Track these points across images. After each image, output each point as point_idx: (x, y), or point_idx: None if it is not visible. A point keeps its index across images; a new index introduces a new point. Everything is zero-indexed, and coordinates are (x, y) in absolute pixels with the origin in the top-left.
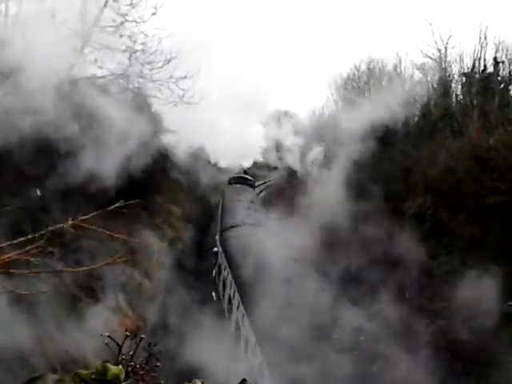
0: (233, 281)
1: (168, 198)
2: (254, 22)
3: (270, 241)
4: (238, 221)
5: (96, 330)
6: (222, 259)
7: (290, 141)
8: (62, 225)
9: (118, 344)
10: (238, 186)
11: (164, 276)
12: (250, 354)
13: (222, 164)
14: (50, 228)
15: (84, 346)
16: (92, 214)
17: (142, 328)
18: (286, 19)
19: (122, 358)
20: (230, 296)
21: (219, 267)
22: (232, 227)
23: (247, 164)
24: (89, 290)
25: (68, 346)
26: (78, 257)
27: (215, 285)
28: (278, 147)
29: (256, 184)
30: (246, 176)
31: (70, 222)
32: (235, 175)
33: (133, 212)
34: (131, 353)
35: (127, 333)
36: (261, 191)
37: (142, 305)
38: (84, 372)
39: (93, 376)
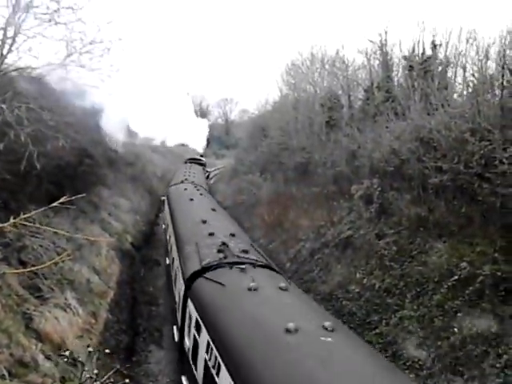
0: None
1: (114, 190)
2: (198, 14)
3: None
4: (181, 179)
5: (44, 330)
6: (165, 207)
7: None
8: (3, 224)
9: (81, 363)
10: (190, 164)
11: (114, 271)
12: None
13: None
14: None
15: (33, 348)
16: (35, 212)
17: (93, 325)
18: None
19: (86, 377)
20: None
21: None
22: (175, 184)
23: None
24: (35, 290)
25: (14, 349)
26: (21, 256)
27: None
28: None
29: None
30: (200, 158)
31: (12, 221)
32: (191, 157)
33: (78, 207)
34: (96, 371)
35: (90, 349)
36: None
37: (92, 302)
38: None
39: None
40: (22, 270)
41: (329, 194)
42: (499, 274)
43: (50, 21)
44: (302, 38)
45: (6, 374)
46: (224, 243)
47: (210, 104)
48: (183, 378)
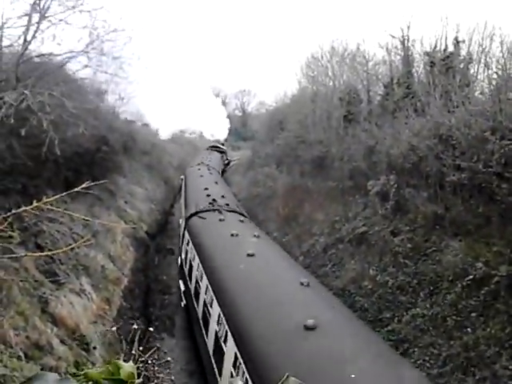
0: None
1: (130, 178)
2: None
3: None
4: (198, 162)
5: (60, 315)
6: (183, 182)
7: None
8: (24, 208)
9: (131, 340)
10: (211, 150)
11: (128, 258)
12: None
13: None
14: (13, 211)
15: (48, 332)
16: (58, 196)
17: (107, 312)
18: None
19: (132, 354)
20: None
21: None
22: (192, 166)
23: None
24: (51, 275)
25: (30, 332)
26: (38, 241)
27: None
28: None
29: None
30: (219, 146)
31: (34, 205)
32: (212, 144)
33: (94, 194)
34: (141, 348)
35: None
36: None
37: (106, 288)
38: (94, 372)
39: (103, 376)
40: (41, 254)
41: (345, 188)
42: None
43: (73, 7)
44: (323, 31)
45: (23, 355)
46: (214, 200)
47: (228, 95)
48: (180, 282)
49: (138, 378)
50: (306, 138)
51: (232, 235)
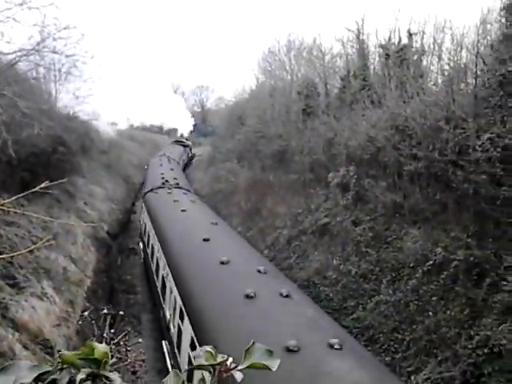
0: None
1: (89, 179)
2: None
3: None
4: (160, 154)
5: (21, 320)
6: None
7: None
8: None
9: (104, 322)
10: (174, 144)
11: (90, 259)
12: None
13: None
14: None
15: (10, 338)
16: (16, 197)
17: (71, 314)
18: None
19: (103, 337)
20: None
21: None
22: (154, 157)
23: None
24: (11, 279)
25: None
26: None
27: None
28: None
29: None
30: (183, 140)
31: None
32: (177, 139)
33: (53, 196)
34: (112, 330)
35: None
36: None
37: (69, 290)
38: (68, 353)
39: (78, 356)
40: None
41: (306, 181)
42: (472, 258)
43: (21, 4)
44: (280, 25)
45: None
46: (167, 180)
47: (186, 91)
48: (140, 243)
49: (112, 358)
50: (265, 132)
51: (174, 201)
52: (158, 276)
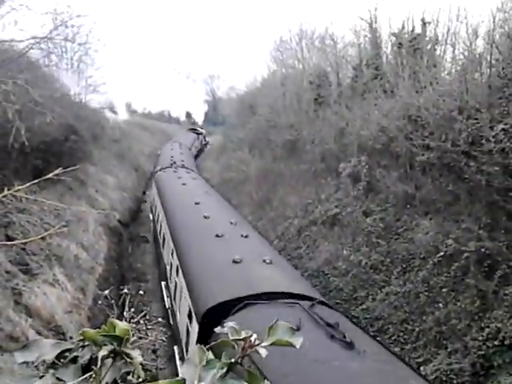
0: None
1: (100, 167)
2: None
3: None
4: (173, 140)
5: (34, 306)
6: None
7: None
8: None
9: (122, 303)
10: (189, 132)
11: (102, 247)
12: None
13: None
14: None
15: (23, 324)
16: (30, 183)
17: (82, 301)
18: None
19: (123, 316)
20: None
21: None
22: (168, 142)
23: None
24: (24, 266)
25: (4, 324)
26: (9, 233)
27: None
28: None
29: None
30: (197, 128)
31: (6, 193)
32: (191, 127)
33: (65, 183)
34: (133, 309)
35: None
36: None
37: (80, 277)
38: (91, 331)
39: (100, 334)
40: (11, 243)
41: (317, 171)
42: (483, 250)
43: None
44: (292, 13)
45: None
46: (174, 161)
47: (197, 80)
48: (150, 214)
49: (132, 336)
50: (277, 121)
51: (178, 178)
52: (160, 234)
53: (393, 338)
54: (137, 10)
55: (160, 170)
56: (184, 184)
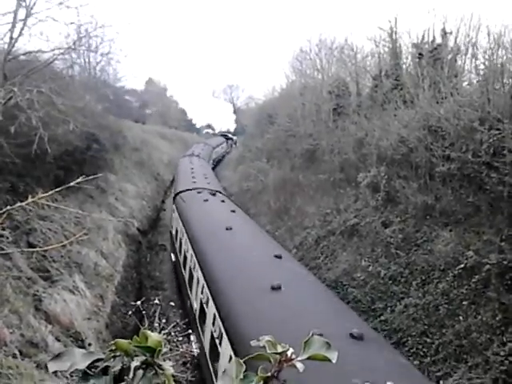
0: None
1: (121, 175)
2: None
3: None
4: (203, 142)
5: (53, 312)
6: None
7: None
8: (20, 204)
9: (152, 313)
10: (220, 136)
11: (121, 255)
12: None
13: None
14: (8, 207)
15: (42, 330)
16: (53, 191)
17: (101, 308)
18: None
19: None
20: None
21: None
22: (198, 143)
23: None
24: (44, 273)
25: (24, 330)
26: (30, 239)
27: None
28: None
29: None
30: (226, 133)
31: (30, 200)
32: (223, 133)
33: (85, 192)
34: (164, 320)
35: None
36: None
37: (99, 285)
38: (124, 341)
39: (133, 344)
40: (33, 249)
41: (335, 181)
42: (505, 262)
43: (60, 4)
44: (311, 24)
45: (18, 353)
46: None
47: (216, 91)
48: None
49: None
50: (295, 131)
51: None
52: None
53: (411, 350)
54: (158, 20)
55: (180, 193)
56: (192, 168)
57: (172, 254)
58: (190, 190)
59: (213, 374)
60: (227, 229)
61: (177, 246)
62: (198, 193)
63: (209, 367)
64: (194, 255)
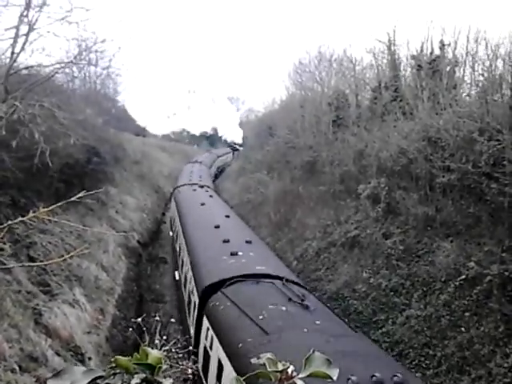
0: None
1: (121, 188)
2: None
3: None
4: (210, 151)
5: (53, 326)
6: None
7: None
8: (22, 218)
9: (153, 330)
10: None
11: (121, 268)
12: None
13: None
14: (10, 222)
15: (42, 344)
16: (55, 205)
17: (101, 321)
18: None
19: (154, 344)
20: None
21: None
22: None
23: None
24: (44, 286)
25: (24, 344)
26: (30, 253)
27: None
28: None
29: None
30: (234, 145)
31: (32, 215)
32: (232, 145)
33: (86, 205)
34: (165, 337)
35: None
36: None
37: (99, 298)
38: (123, 359)
39: (133, 361)
40: (33, 264)
41: (336, 193)
42: (507, 273)
43: (62, 19)
44: (310, 36)
45: (17, 368)
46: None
47: (217, 103)
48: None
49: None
50: (295, 143)
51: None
52: (173, 230)
53: (414, 362)
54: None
55: (178, 187)
56: (203, 204)
57: (170, 232)
58: (186, 184)
59: None
60: (201, 204)
61: (172, 223)
62: (191, 185)
63: None
64: (179, 225)
